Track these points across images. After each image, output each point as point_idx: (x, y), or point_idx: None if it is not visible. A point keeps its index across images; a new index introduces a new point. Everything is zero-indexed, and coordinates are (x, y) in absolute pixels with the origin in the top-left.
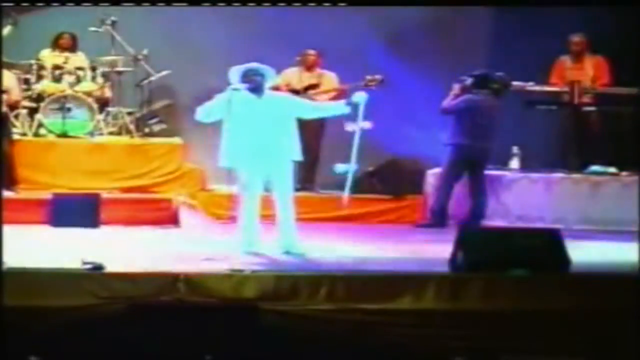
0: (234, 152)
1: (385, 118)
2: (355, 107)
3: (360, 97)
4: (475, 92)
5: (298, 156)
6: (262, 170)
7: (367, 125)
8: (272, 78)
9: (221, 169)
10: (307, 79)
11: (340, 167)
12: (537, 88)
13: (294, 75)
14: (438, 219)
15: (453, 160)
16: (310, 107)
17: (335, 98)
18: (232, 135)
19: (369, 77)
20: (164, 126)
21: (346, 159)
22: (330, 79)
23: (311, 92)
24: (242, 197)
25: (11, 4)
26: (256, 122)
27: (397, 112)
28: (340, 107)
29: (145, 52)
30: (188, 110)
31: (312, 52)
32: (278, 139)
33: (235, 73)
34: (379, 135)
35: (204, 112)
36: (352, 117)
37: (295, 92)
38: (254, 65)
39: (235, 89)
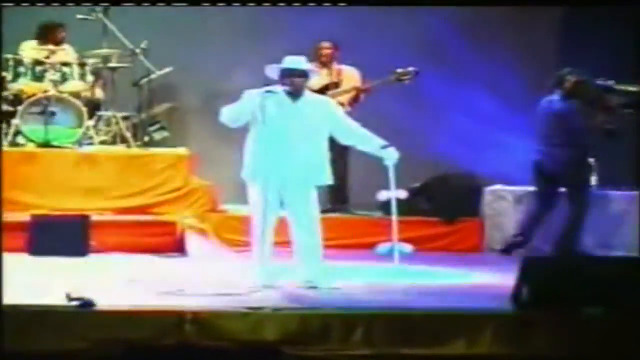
0: (255, 163)
1: (432, 127)
2: (385, 170)
3: (390, 156)
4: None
5: (327, 178)
6: (282, 186)
7: (402, 194)
8: (315, 77)
9: (236, 185)
10: (324, 76)
11: (383, 195)
12: (622, 87)
13: None
14: (514, 245)
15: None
16: (352, 130)
17: (357, 98)
18: (256, 142)
19: (400, 71)
20: (166, 134)
21: (382, 174)
22: (351, 76)
23: (330, 92)
24: (255, 217)
25: (11, 4)
26: (285, 130)
27: (446, 120)
28: (386, 152)
29: (144, 44)
30: (196, 114)
31: (326, 44)
32: (306, 154)
33: (273, 71)
34: (426, 146)
35: (230, 114)
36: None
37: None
38: (296, 62)
39: (270, 92)
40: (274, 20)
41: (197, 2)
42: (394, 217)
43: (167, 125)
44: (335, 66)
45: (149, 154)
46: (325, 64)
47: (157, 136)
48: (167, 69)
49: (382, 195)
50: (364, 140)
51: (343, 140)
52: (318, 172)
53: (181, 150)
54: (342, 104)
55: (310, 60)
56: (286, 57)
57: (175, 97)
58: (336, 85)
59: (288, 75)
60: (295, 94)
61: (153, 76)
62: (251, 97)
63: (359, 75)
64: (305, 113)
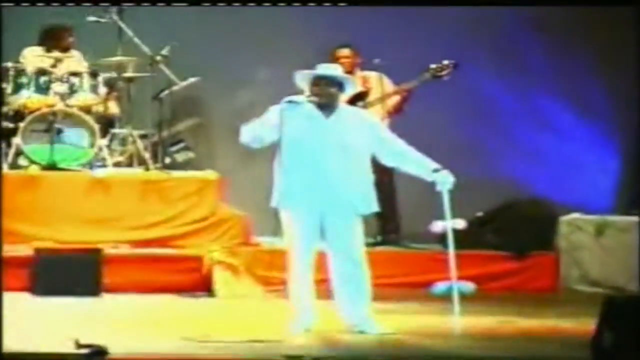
0: (286, 188)
1: (498, 144)
2: (439, 196)
3: (443, 180)
4: None
5: (371, 205)
6: (320, 214)
7: (460, 224)
8: (352, 89)
9: (271, 215)
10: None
11: (438, 226)
12: None
13: None
14: None
15: None
16: (397, 149)
17: (397, 108)
18: (285, 164)
19: (434, 66)
20: (191, 155)
21: (436, 198)
22: (379, 81)
23: (360, 103)
24: (291, 251)
25: (11, 4)
26: (318, 149)
27: (516, 136)
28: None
29: (165, 51)
30: (225, 132)
31: (345, 51)
32: (345, 176)
33: (302, 79)
34: (491, 168)
35: (250, 133)
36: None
37: None
38: (328, 69)
39: (292, 102)
40: (308, 21)
41: (197, 2)
42: (451, 251)
43: (192, 144)
44: (359, 73)
45: (171, 178)
46: (346, 73)
47: (180, 157)
48: (192, 80)
49: (437, 226)
50: (411, 162)
51: (386, 160)
52: (360, 199)
53: (208, 174)
54: (379, 117)
55: None
56: (319, 65)
57: (201, 112)
58: (363, 95)
59: (320, 83)
60: (327, 106)
61: (176, 88)
62: (274, 111)
63: (388, 80)
64: (340, 129)
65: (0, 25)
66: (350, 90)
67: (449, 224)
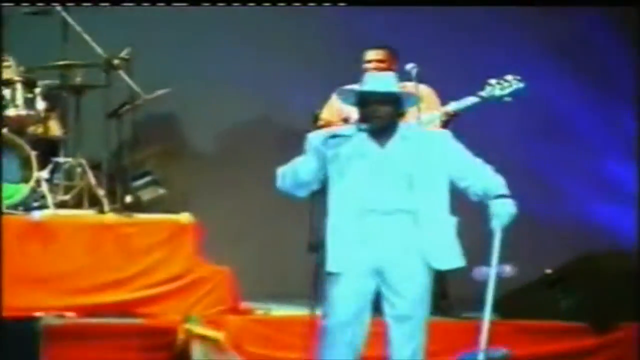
0: (333, 249)
1: (575, 175)
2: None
3: (500, 211)
4: None
5: (454, 259)
6: (377, 276)
7: (509, 271)
8: (413, 105)
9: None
10: None
11: (481, 272)
12: None
13: None
14: None
15: None
16: (473, 168)
17: (444, 127)
18: (332, 217)
19: (495, 82)
20: (160, 191)
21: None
22: (422, 95)
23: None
24: (332, 318)
25: (11, 4)
26: (374, 191)
27: (592, 170)
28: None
29: (125, 53)
30: (205, 162)
31: (379, 54)
32: (414, 221)
33: (346, 96)
34: (566, 205)
35: (295, 177)
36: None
37: None
38: (378, 83)
39: (336, 137)
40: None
41: (197, 2)
42: (488, 308)
43: (162, 178)
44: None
45: (134, 222)
46: None
47: (146, 195)
48: (161, 91)
49: (480, 273)
50: (482, 177)
51: (459, 182)
52: (436, 249)
53: (183, 218)
54: None
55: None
56: (368, 74)
57: (174, 135)
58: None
59: (369, 103)
60: (382, 131)
61: (140, 102)
62: (311, 148)
63: (434, 94)
64: (401, 158)
65: (0, 25)
66: (411, 104)
67: (493, 270)
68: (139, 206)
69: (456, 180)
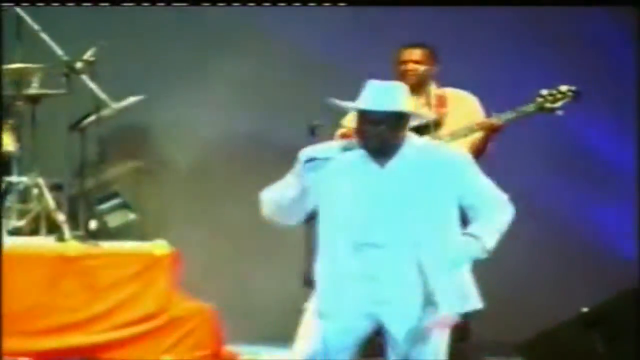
0: (322, 291)
1: (608, 214)
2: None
3: (458, 251)
4: None
5: (469, 300)
6: (373, 321)
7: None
8: (415, 121)
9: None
10: (422, 110)
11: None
12: None
13: None
14: None
15: None
16: (488, 208)
17: (482, 147)
18: (321, 250)
19: (546, 92)
20: (131, 216)
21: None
22: (464, 106)
23: (429, 136)
24: None
25: (11, 4)
26: (371, 219)
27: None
28: None
29: (90, 54)
30: (182, 182)
31: (416, 53)
32: (424, 257)
33: (346, 108)
34: (600, 243)
35: (272, 205)
36: None
37: None
38: (380, 95)
39: (324, 160)
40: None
41: (197, 2)
42: None
43: (132, 200)
44: (434, 89)
45: (100, 253)
46: (414, 88)
47: (114, 221)
48: (132, 99)
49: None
50: (481, 215)
51: (467, 211)
52: (443, 290)
53: (157, 247)
54: None
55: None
56: (368, 86)
57: (146, 151)
58: (435, 125)
59: (366, 120)
60: (383, 149)
61: (107, 112)
62: (300, 168)
63: (478, 103)
64: (403, 180)
65: (0, 25)
66: (412, 122)
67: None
68: (105, 233)
69: (464, 207)
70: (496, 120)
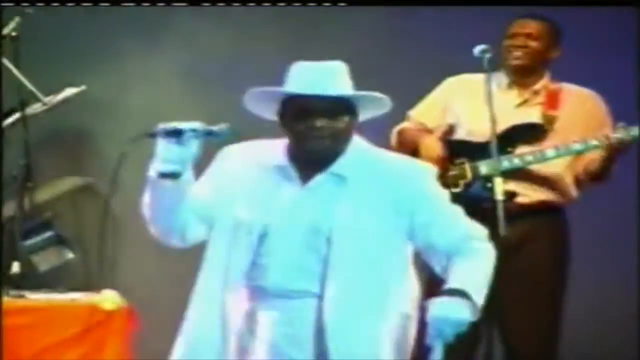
0: (192, 343)
1: None
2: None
3: (438, 320)
4: None
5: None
6: None
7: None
8: (379, 110)
9: None
10: (522, 109)
11: None
12: None
13: (478, 102)
14: None
15: None
16: (457, 239)
17: (603, 171)
18: (196, 292)
19: None
20: (68, 255)
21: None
22: (584, 106)
23: (522, 148)
24: None
25: (11, 4)
26: (269, 260)
27: None
28: None
29: (12, 28)
30: (136, 203)
31: (531, 25)
32: (331, 317)
33: (264, 101)
34: None
35: (160, 220)
36: None
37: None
38: (316, 76)
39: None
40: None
41: (197, 2)
42: None
43: (72, 233)
44: (546, 82)
45: (26, 307)
46: (519, 73)
47: (46, 261)
48: (70, 92)
49: None
50: (451, 249)
51: (424, 250)
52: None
53: (107, 299)
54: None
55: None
56: (295, 67)
57: (92, 163)
58: (538, 133)
59: (298, 112)
60: (317, 158)
61: (37, 109)
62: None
63: (605, 108)
64: (327, 206)
65: (0, 25)
66: (377, 111)
67: None
68: (34, 280)
69: (420, 247)
70: (624, 134)
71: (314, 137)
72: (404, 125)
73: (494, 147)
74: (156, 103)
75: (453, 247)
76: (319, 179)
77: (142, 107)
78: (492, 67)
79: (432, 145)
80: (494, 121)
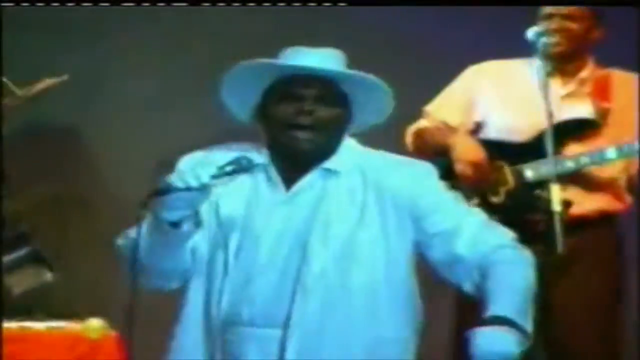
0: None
1: None
2: None
3: (484, 353)
4: None
5: None
6: None
7: None
8: (383, 106)
9: None
10: (569, 101)
11: None
12: None
13: (512, 94)
14: None
15: None
16: (484, 249)
17: None
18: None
19: None
20: (47, 275)
21: None
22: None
23: (590, 150)
24: None
25: (11, 4)
26: (250, 284)
27: None
28: None
29: None
30: (131, 214)
31: (571, 7)
32: (337, 330)
33: (244, 85)
34: None
35: (163, 265)
36: None
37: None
38: (314, 54)
39: (227, 174)
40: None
41: (197, 2)
42: None
43: (51, 248)
44: (592, 68)
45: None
46: (560, 59)
47: (21, 283)
48: (48, 82)
49: None
50: (478, 263)
51: (460, 279)
52: None
53: (92, 328)
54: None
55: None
56: (290, 50)
57: (74, 168)
58: (595, 126)
59: (285, 94)
60: (300, 158)
61: (9, 102)
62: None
63: None
64: (316, 217)
65: (0, 25)
66: (379, 110)
67: None
68: (6, 305)
69: (440, 261)
70: None
71: (300, 125)
72: (422, 124)
73: (549, 147)
74: (152, 92)
75: (485, 259)
76: (308, 179)
77: (136, 97)
78: (548, 54)
79: (469, 145)
80: (550, 115)
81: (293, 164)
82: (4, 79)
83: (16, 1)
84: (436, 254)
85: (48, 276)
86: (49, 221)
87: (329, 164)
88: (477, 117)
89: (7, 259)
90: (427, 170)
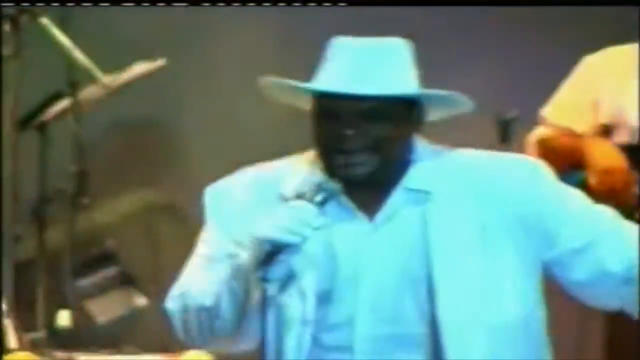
0: None
1: None
2: None
3: None
4: None
5: None
6: None
7: None
8: (460, 107)
9: None
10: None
11: None
12: None
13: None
14: None
15: None
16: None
17: None
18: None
19: None
20: (138, 300)
21: None
22: None
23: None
24: None
25: (11, 4)
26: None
27: None
28: None
29: None
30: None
31: None
32: None
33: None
34: None
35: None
36: None
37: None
38: (361, 56)
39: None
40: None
41: (197, 2)
42: None
43: (143, 268)
44: None
45: None
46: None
47: (107, 310)
48: (142, 67)
49: None
50: (618, 245)
51: (604, 295)
52: None
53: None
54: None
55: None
56: (335, 49)
57: (171, 172)
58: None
59: (324, 113)
60: (368, 182)
61: (93, 93)
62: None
63: None
64: (410, 243)
65: (0, 25)
66: (457, 107)
67: None
68: (89, 335)
69: (583, 280)
70: None
71: (344, 151)
72: (542, 131)
73: None
74: (250, 83)
75: (633, 269)
76: (391, 203)
77: (234, 90)
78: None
79: (611, 152)
80: None
81: (358, 188)
82: (89, 64)
83: (16, 1)
84: (578, 274)
85: (140, 301)
86: (139, 236)
87: (412, 182)
88: (603, 119)
89: (90, 280)
90: (536, 166)
